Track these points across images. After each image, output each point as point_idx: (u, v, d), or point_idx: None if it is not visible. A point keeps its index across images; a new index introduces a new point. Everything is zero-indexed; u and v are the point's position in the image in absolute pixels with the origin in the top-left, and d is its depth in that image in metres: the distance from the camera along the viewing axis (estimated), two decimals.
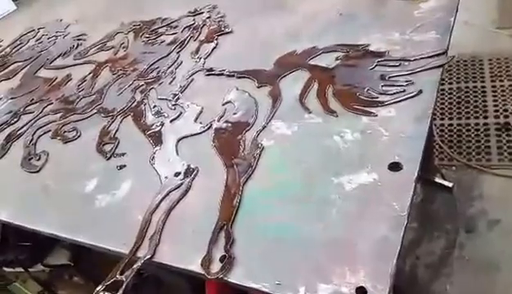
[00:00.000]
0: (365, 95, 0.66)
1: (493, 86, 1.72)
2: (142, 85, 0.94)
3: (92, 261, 1.38)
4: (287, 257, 0.49)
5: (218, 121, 0.74)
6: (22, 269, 1.42)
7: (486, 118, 1.62)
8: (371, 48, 0.76)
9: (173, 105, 0.84)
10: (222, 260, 0.50)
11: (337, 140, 0.60)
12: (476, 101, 1.68)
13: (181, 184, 0.64)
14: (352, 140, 0.59)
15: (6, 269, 1.44)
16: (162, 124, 0.80)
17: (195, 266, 0.51)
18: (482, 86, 1.73)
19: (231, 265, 0.49)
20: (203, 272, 0.50)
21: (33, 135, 0.91)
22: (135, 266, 0.53)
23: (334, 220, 0.50)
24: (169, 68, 0.97)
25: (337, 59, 0.77)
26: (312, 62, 0.78)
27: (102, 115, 0.89)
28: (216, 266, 0.50)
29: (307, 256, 0.48)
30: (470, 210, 1.41)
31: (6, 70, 1.33)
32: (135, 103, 0.89)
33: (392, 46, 0.74)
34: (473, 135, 1.57)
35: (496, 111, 1.61)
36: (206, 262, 0.50)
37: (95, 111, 0.91)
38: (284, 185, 0.57)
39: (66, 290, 1.45)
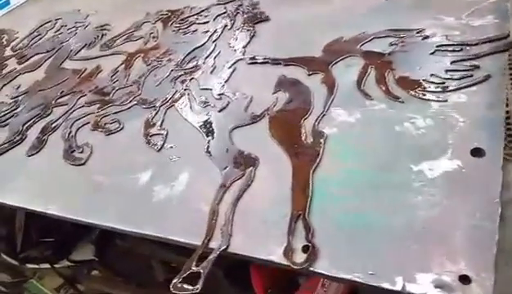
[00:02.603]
0: (429, 81, 0.65)
1: None
2: (181, 75, 0.92)
3: (116, 255, 1.37)
4: (374, 246, 0.47)
5: (272, 110, 0.72)
6: (45, 266, 1.41)
7: (507, 105, 1.61)
8: (426, 33, 0.74)
9: (219, 95, 0.82)
10: (305, 250, 0.49)
11: (408, 126, 0.58)
12: None
13: (244, 174, 0.63)
14: (426, 126, 0.57)
15: (29, 265, 1.42)
16: (211, 114, 0.77)
17: (276, 257, 0.49)
18: None
19: (316, 255, 0.48)
20: (287, 263, 0.48)
21: (70, 128, 0.88)
22: (211, 257, 0.52)
23: (422, 207, 0.48)
24: (207, 57, 0.94)
25: (391, 44, 0.75)
26: (364, 48, 0.77)
27: (143, 106, 0.86)
28: (299, 257, 0.49)
29: (397, 245, 0.46)
30: None
31: (28, 62, 1.29)
32: (177, 94, 0.87)
33: (450, 31, 0.72)
34: None
35: None
36: (289, 253, 0.49)
37: (134, 102, 0.89)
38: (357, 173, 0.55)
39: (85, 284, 1.44)
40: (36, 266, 1.42)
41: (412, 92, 0.64)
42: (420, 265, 0.44)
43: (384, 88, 0.66)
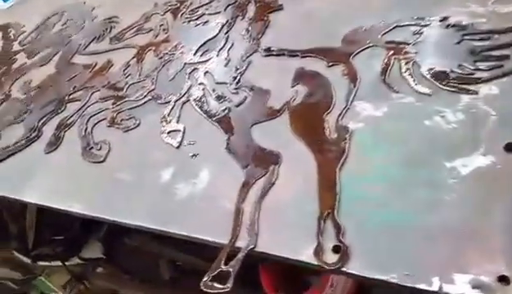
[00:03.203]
0: (457, 72, 0.62)
1: None
2: (195, 69, 0.90)
3: (123, 253, 1.38)
4: (408, 246, 0.46)
5: (292, 104, 0.71)
6: (56, 263, 1.43)
7: None
8: (451, 21, 0.72)
9: (235, 89, 0.80)
10: (336, 250, 0.48)
11: (438, 120, 0.56)
12: None
13: (267, 172, 0.62)
14: (456, 121, 0.55)
15: (41, 263, 1.44)
16: (228, 110, 0.76)
17: (306, 257, 0.49)
18: None
19: (348, 255, 0.47)
20: (318, 263, 0.47)
21: (86, 124, 0.88)
22: (239, 256, 0.51)
23: (457, 205, 0.47)
24: (221, 50, 0.92)
25: (414, 33, 0.73)
26: (386, 38, 0.74)
27: (158, 102, 0.85)
28: (330, 257, 0.48)
29: (432, 245, 0.45)
30: None
31: (37, 57, 1.28)
32: (192, 88, 0.85)
33: (476, 19, 0.69)
34: None
35: None
36: (319, 253, 0.48)
37: (149, 97, 0.87)
38: (386, 170, 0.54)
39: (91, 281, 1.46)
40: (48, 264, 1.43)
41: (440, 84, 0.62)
42: (457, 265, 0.43)
43: (410, 80, 0.64)
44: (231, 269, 0.50)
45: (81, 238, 1.40)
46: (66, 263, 1.40)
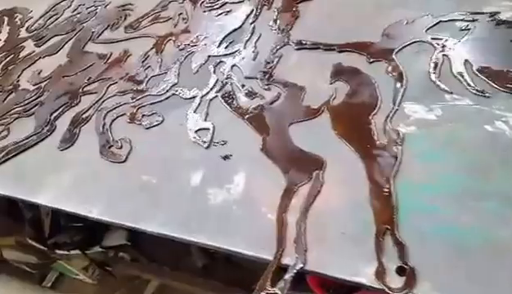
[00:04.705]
0: None
1: None
2: (220, 62, 0.85)
3: (150, 241, 1.32)
4: (482, 267, 0.42)
5: (332, 103, 0.66)
6: (75, 252, 1.38)
7: None
8: (501, 16, 0.66)
9: (267, 85, 0.75)
10: (400, 272, 0.43)
11: (501, 125, 0.51)
12: None
13: (311, 178, 0.57)
14: None
15: (59, 251, 1.39)
16: (261, 107, 0.71)
17: (367, 279, 0.44)
18: None
19: (416, 278, 0.42)
20: (382, 287, 0.43)
21: (104, 120, 0.82)
22: (287, 277, 0.46)
23: None
24: (247, 42, 0.87)
25: (462, 29, 0.67)
26: (430, 33, 0.69)
27: (183, 97, 0.80)
28: (393, 279, 0.43)
29: (509, 266, 0.41)
30: None
31: (46, 45, 1.20)
32: (218, 83, 0.80)
33: None
34: None
35: None
36: (381, 274, 0.44)
37: (172, 92, 0.82)
38: (447, 180, 0.49)
39: (115, 267, 1.41)
40: (66, 253, 1.39)
41: (498, 85, 0.57)
42: None
43: (463, 80, 0.59)
44: (278, 292, 0.45)
45: (102, 225, 1.34)
46: (87, 252, 1.35)
